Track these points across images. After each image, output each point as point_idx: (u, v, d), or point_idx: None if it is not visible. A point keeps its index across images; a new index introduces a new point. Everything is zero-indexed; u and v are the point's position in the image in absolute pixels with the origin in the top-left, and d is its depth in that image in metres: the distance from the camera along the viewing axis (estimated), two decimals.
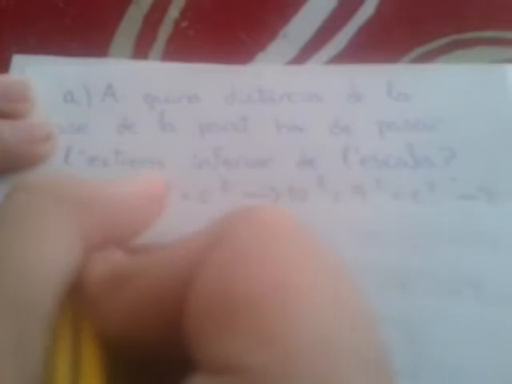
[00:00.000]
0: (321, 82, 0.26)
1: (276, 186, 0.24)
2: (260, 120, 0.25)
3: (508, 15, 0.28)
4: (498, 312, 0.21)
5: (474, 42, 0.27)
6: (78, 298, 0.13)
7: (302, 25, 0.28)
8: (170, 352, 0.12)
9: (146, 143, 0.25)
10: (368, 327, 0.11)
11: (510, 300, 0.22)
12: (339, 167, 0.24)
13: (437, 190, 0.23)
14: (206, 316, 0.10)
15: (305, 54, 0.27)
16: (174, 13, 0.28)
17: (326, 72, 0.26)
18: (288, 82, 0.26)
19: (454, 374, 0.21)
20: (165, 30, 0.28)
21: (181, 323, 0.11)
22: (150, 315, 0.12)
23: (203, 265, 0.11)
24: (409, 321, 0.21)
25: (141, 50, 0.27)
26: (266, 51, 0.27)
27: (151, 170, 0.24)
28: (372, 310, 0.11)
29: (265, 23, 0.28)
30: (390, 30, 0.27)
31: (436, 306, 0.22)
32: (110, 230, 0.14)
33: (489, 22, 0.27)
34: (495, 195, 0.23)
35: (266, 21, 0.28)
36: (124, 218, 0.15)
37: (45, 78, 0.26)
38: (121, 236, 0.15)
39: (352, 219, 0.23)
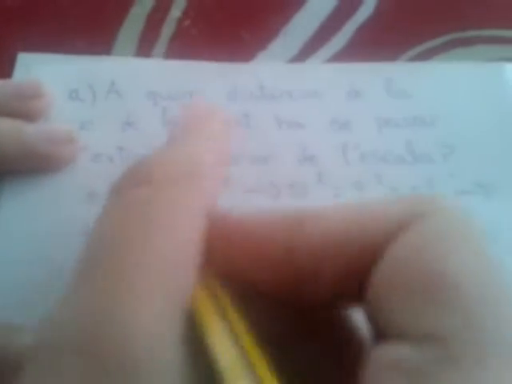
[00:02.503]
0: (321, 80, 0.26)
1: (277, 182, 0.24)
2: (261, 117, 0.25)
3: (507, 14, 0.28)
4: None
5: (473, 40, 0.27)
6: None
7: (303, 24, 0.28)
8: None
9: (149, 139, 0.25)
10: None
11: None
12: (339, 163, 0.24)
13: (435, 185, 0.24)
14: (405, 289, 0.11)
15: (305, 52, 0.28)
16: (176, 12, 0.28)
17: (326, 70, 0.27)
18: (289, 80, 0.26)
19: None
20: (167, 29, 0.28)
21: (349, 276, 0.12)
22: (333, 255, 0.12)
23: (400, 240, 0.11)
24: None
25: (144, 49, 0.28)
26: (267, 50, 0.28)
27: None
28: None
29: (266, 22, 0.28)
30: (390, 28, 0.28)
31: None
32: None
33: (487, 20, 0.28)
34: (492, 191, 0.24)
35: (267, 20, 0.28)
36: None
37: (50, 75, 0.27)
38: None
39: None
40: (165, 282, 0.11)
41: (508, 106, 0.25)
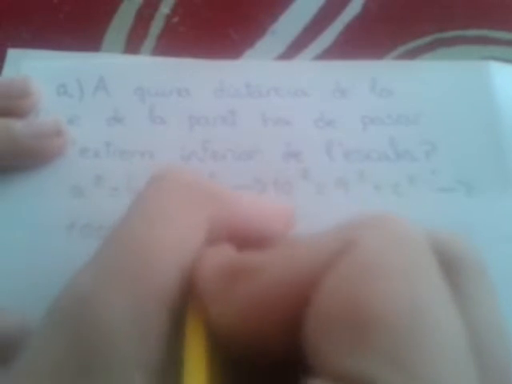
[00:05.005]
0: (307, 78, 0.26)
1: (262, 178, 0.25)
2: (247, 114, 0.26)
3: (490, 14, 0.28)
4: None
5: (457, 40, 0.28)
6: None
7: (290, 22, 0.28)
8: (274, 352, 0.12)
9: (137, 135, 0.25)
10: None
11: None
12: (323, 160, 0.25)
13: (417, 182, 0.24)
14: (335, 325, 0.10)
15: (292, 50, 0.28)
16: (165, 9, 0.29)
17: (312, 68, 0.27)
18: (275, 77, 0.26)
19: None
20: (156, 26, 0.28)
21: (295, 324, 0.11)
22: (263, 314, 0.12)
23: (331, 272, 0.11)
24: None
25: (133, 45, 0.28)
26: (254, 48, 0.28)
27: (141, 161, 0.25)
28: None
29: (254, 20, 0.28)
30: (376, 28, 0.28)
31: None
32: (233, 231, 0.15)
33: (472, 21, 0.28)
34: (473, 188, 0.24)
35: (254, 18, 0.28)
36: (249, 224, 0.15)
37: (39, 71, 0.27)
38: (241, 240, 0.15)
39: (335, 211, 0.24)
40: (145, 277, 0.12)
41: (490, 105, 0.25)
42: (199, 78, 0.26)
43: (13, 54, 0.28)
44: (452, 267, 0.11)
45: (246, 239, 0.15)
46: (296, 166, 0.25)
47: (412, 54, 0.28)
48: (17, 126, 0.24)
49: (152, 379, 0.11)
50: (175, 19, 0.28)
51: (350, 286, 0.10)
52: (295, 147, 0.25)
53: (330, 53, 0.28)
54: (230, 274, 0.12)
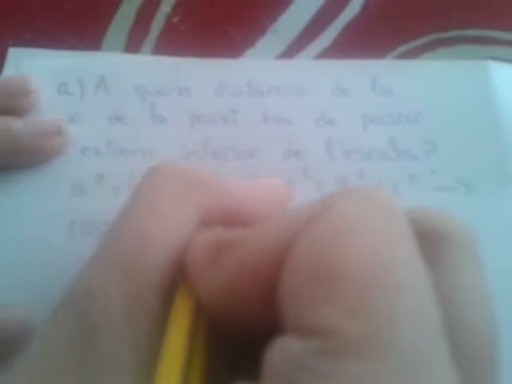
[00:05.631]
0: (308, 77, 0.26)
1: (262, 177, 0.25)
2: (248, 113, 0.26)
3: (490, 14, 0.28)
4: None
5: (457, 40, 0.28)
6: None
7: (291, 21, 0.28)
8: (256, 321, 0.12)
9: (137, 134, 0.26)
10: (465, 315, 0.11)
11: None
12: (324, 159, 0.25)
13: (417, 181, 0.24)
14: (303, 283, 0.10)
15: (293, 49, 0.28)
16: (165, 8, 0.29)
17: (313, 67, 0.27)
18: (276, 76, 0.26)
19: None
20: (157, 25, 0.28)
21: (275, 291, 0.11)
22: (246, 285, 0.12)
23: (302, 234, 0.11)
24: None
25: (133, 44, 0.28)
26: (255, 47, 0.28)
27: (142, 160, 0.25)
28: None
29: (254, 20, 0.28)
30: (375, 27, 0.28)
31: None
32: (228, 216, 0.15)
33: (471, 20, 0.28)
34: (473, 187, 0.24)
35: (255, 17, 0.28)
36: (241, 209, 0.16)
37: (40, 70, 0.27)
38: (234, 225, 0.15)
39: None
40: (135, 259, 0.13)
41: (490, 104, 0.26)
42: (200, 76, 0.27)
43: (13, 52, 0.28)
44: (431, 240, 0.12)
45: (242, 224, 0.15)
46: (296, 165, 0.25)
47: (412, 54, 0.28)
48: (17, 124, 0.24)
49: (143, 360, 0.12)
50: (176, 18, 0.29)
51: (320, 244, 0.11)
52: (296, 146, 0.25)
53: (331, 52, 0.28)
54: (215, 249, 0.13)
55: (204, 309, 0.13)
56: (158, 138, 0.25)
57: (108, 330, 0.12)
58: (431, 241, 0.12)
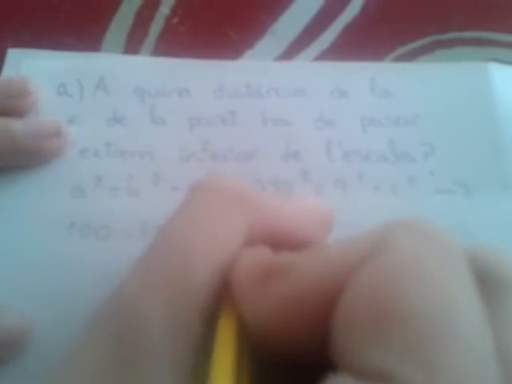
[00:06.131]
0: (307, 78, 0.26)
1: (261, 179, 0.25)
2: (247, 114, 0.26)
3: (489, 16, 0.28)
4: None
5: (456, 42, 0.28)
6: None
7: (290, 23, 0.28)
8: (303, 351, 0.12)
9: (136, 135, 0.26)
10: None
11: None
12: (322, 160, 0.25)
13: (415, 183, 0.24)
14: (362, 323, 0.10)
15: (292, 51, 0.28)
16: (165, 9, 0.29)
17: (312, 68, 0.27)
18: (275, 78, 0.26)
19: None
20: (156, 26, 0.28)
21: (326, 324, 0.11)
22: (293, 314, 0.12)
23: (361, 271, 0.11)
24: None
25: (132, 45, 0.28)
26: (254, 48, 0.28)
27: (141, 161, 0.25)
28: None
29: (253, 21, 0.28)
30: (374, 29, 0.28)
31: None
32: (272, 236, 0.15)
33: (470, 22, 0.28)
34: (472, 190, 0.24)
35: (254, 19, 0.28)
36: (286, 228, 0.15)
37: (39, 71, 0.27)
38: (280, 245, 0.15)
39: (333, 211, 0.24)
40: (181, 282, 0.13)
41: (489, 106, 0.26)
42: (199, 78, 0.27)
43: (13, 53, 0.28)
44: (488, 282, 0.11)
45: (285, 244, 0.15)
46: (295, 166, 0.25)
47: (411, 56, 0.28)
48: (16, 125, 0.24)
49: (183, 379, 0.12)
50: (175, 20, 0.29)
51: (378, 285, 0.10)
52: (294, 147, 0.25)
53: (330, 54, 0.28)
54: (262, 274, 0.13)
55: (248, 329, 0.13)
56: (157, 140, 0.25)
57: (150, 355, 0.12)
58: (488, 282, 0.11)
